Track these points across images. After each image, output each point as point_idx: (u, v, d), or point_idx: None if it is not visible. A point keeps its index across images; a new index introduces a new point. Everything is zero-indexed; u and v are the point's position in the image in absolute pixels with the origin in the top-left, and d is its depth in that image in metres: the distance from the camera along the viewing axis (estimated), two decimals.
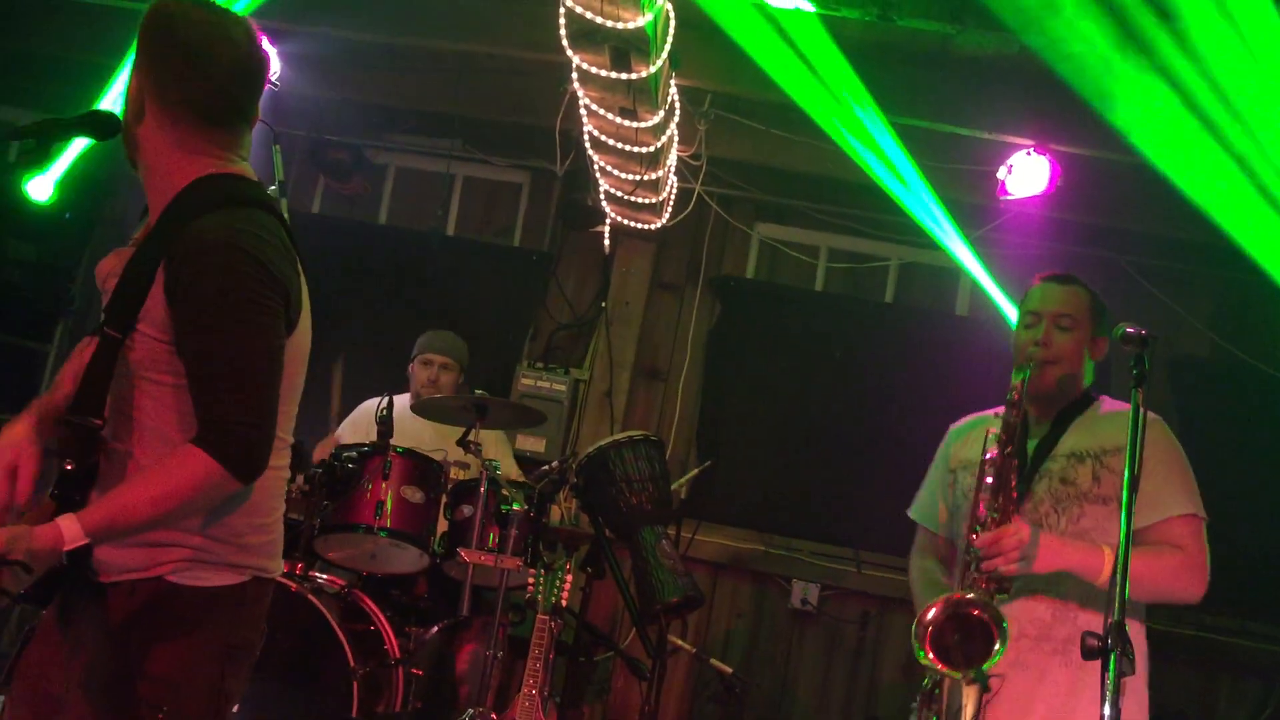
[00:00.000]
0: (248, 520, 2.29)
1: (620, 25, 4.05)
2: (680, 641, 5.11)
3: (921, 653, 2.69)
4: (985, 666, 2.66)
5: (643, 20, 4.03)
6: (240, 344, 2.16)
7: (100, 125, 2.41)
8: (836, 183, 5.83)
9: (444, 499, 4.59)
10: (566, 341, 6.32)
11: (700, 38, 4.74)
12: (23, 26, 6.10)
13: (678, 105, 5.05)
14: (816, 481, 6.05)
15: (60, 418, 2.26)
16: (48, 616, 2.34)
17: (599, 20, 4.05)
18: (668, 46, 4.37)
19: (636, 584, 4.45)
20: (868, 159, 5.20)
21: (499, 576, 4.20)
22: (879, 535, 5.84)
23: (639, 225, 5.94)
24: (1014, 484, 2.87)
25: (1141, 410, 2.48)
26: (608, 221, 5.97)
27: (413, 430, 4.87)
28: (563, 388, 6.11)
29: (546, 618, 4.20)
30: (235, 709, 2.34)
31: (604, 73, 4.39)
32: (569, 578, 4.27)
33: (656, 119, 4.74)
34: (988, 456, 2.90)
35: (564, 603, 4.26)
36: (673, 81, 4.86)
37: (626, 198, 5.57)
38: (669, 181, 5.67)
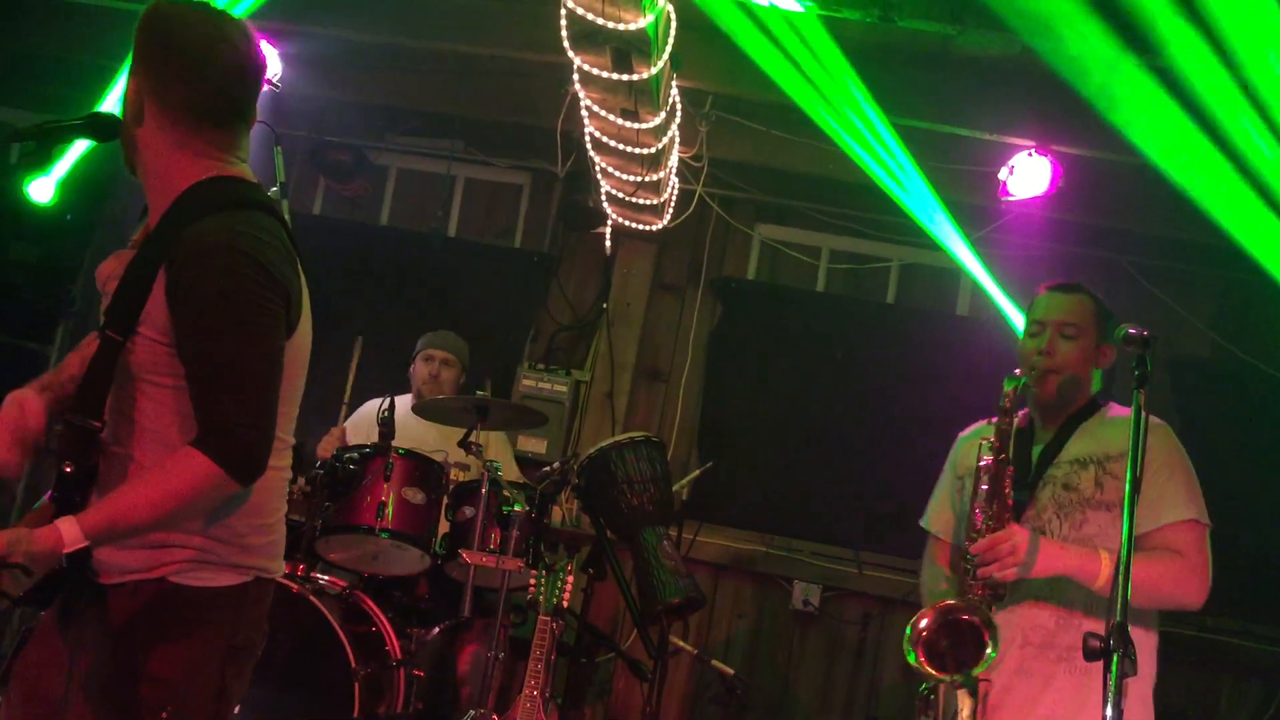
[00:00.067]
0: (249, 521, 2.29)
1: (621, 26, 4.05)
2: (682, 643, 5.11)
3: (912, 655, 2.73)
4: (975, 671, 2.68)
5: (644, 21, 4.03)
6: (241, 347, 2.16)
7: (101, 127, 2.42)
8: (838, 184, 5.83)
9: (445, 500, 4.60)
10: (567, 343, 6.31)
11: (701, 39, 4.74)
12: (24, 28, 6.10)
13: (679, 106, 5.05)
14: (818, 482, 6.04)
15: (60, 415, 2.26)
16: (47, 618, 2.34)
17: (600, 21, 4.05)
18: (669, 48, 4.37)
19: (638, 585, 4.45)
20: (868, 160, 5.20)
21: (500, 578, 4.19)
22: (880, 536, 5.85)
23: (640, 226, 5.94)
24: (1008, 490, 2.88)
25: (1143, 411, 2.48)
26: (609, 223, 5.97)
27: (415, 431, 4.87)
28: (564, 389, 6.11)
29: (548, 619, 4.20)
30: (237, 710, 2.34)
31: (605, 74, 4.39)
32: (570, 579, 4.27)
33: (658, 120, 4.74)
34: (982, 464, 2.92)
35: (565, 604, 4.25)
36: (674, 83, 4.86)
37: (628, 199, 5.57)
38: (670, 183, 5.67)
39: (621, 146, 4.98)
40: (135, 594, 2.21)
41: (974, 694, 2.73)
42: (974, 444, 3.15)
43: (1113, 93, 4.36)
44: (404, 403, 5.03)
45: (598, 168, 5.33)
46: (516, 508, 4.25)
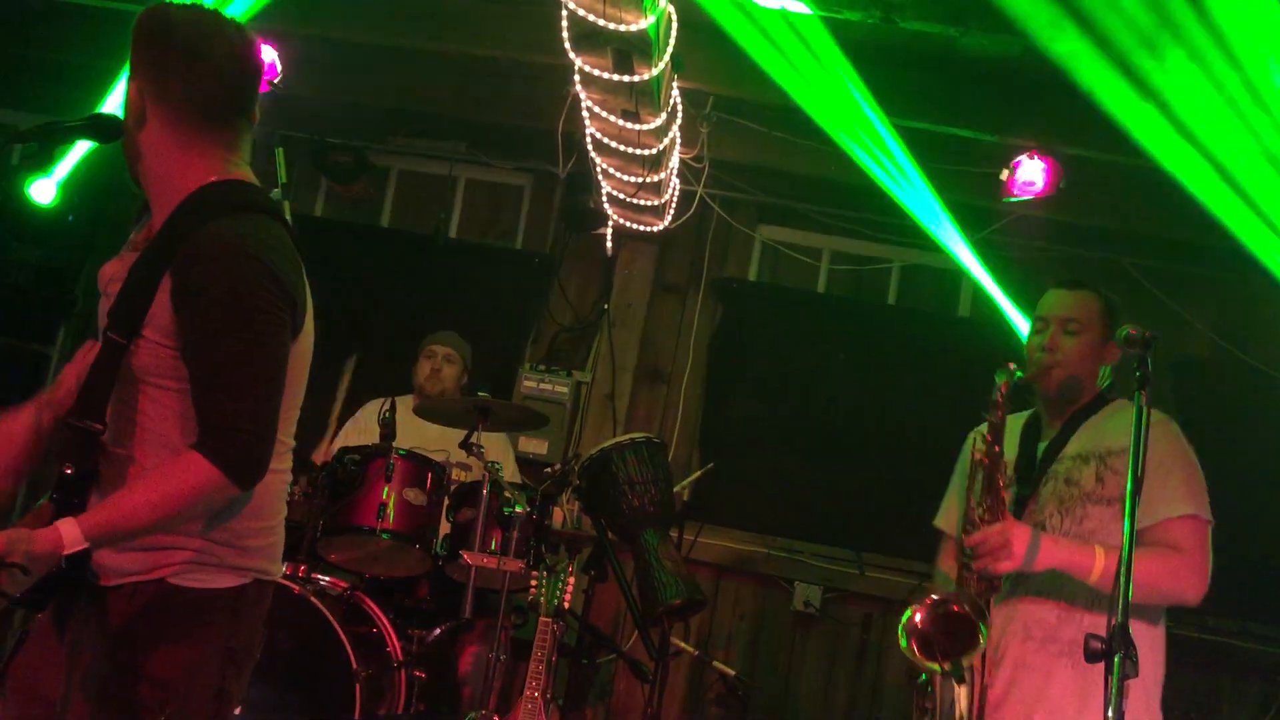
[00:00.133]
0: (249, 523, 2.29)
1: (622, 28, 4.05)
2: (683, 644, 5.11)
3: (905, 641, 2.76)
4: (964, 660, 2.70)
5: (645, 23, 4.03)
6: (245, 351, 2.16)
7: (103, 128, 2.42)
8: (839, 185, 5.82)
9: (446, 501, 4.60)
10: (569, 344, 6.32)
11: (703, 40, 4.74)
12: (25, 30, 6.09)
13: (680, 107, 5.05)
14: (819, 483, 6.04)
15: (60, 420, 2.26)
16: (44, 620, 2.34)
17: (601, 23, 4.05)
18: (670, 49, 4.37)
19: (639, 586, 4.45)
20: (870, 162, 5.20)
21: (501, 579, 4.19)
22: (881, 537, 5.85)
23: (641, 227, 5.94)
24: (1002, 484, 2.90)
25: (1146, 412, 2.48)
26: (610, 224, 5.97)
27: (416, 432, 4.87)
28: (565, 390, 6.11)
29: (549, 620, 4.20)
30: (238, 711, 2.34)
31: (606, 75, 4.39)
32: (571, 580, 4.27)
33: (659, 121, 4.74)
34: (976, 458, 2.94)
35: (566, 605, 4.25)
36: (675, 84, 4.86)
37: (629, 200, 5.57)
38: (671, 184, 5.67)
39: (623, 148, 4.98)
40: (134, 596, 2.21)
41: (966, 683, 2.75)
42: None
43: (1114, 94, 4.35)
44: (405, 404, 5.04)
45: (599, 169, 5.33)
46: (518, 509, 4.25)
